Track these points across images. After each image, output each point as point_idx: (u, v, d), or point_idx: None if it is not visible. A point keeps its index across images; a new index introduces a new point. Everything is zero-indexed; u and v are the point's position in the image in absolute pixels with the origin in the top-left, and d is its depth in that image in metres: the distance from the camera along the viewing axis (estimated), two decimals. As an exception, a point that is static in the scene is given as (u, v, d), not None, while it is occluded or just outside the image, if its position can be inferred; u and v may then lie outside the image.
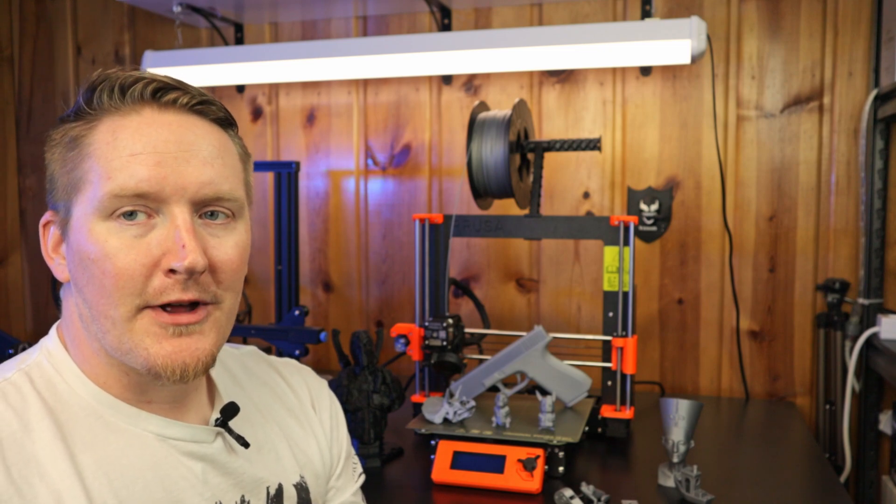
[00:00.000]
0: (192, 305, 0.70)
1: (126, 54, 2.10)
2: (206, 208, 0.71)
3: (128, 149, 0.68)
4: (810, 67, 1.87)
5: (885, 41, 1.73)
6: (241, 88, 2.27)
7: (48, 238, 0.74)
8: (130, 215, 0.68)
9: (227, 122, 0.76)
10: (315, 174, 2.24)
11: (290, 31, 2.23)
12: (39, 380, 0.72)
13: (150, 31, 2.16)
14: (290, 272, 1.90)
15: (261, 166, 2.00)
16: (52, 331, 0.77)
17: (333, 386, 1.44)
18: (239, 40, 2.25)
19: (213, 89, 2.28)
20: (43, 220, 0.74)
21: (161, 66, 1.92)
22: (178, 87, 0.72)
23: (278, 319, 1.92)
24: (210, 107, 0.73)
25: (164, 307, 0.69)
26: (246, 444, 0.79)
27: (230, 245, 0.73)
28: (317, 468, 0.89)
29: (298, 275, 1.94)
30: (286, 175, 1.89)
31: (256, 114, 2.27)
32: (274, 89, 2.25)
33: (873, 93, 1.78)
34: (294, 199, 1.90)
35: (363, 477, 0.99)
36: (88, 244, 0.68)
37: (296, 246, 1.91)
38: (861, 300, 1.82)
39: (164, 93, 0.71)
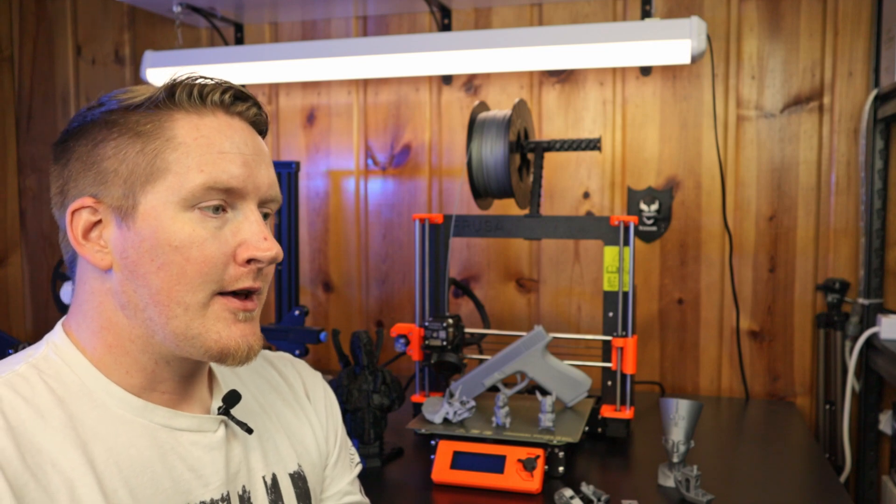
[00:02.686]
0: (248, 294, 0.75)
1: (126, 54, 2.10)
2: (261, 208, 0.77)
3: (216, 146, 0.73)
4: (810, 67, 1.87)
5: (885, 41, 1.73)
6: (241, 88, 2.27)
7: (79, 224, 0.73)
8: (216, 209, 0.72)
9: (265, 133, 0.83)
10: (315, 174, 2.24)
11: (290, 31, 2.23)
12: (48, 371, 0.73)
13: (150, 31, 2.17)
14: (290, 272, 1.90)
15: (261, 166, 2.00)
16: (58, 326, 0.78)
17: (333, 386, 1.44)
18: (239, 40, 2.25)
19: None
20: (75, 206, 0.73)
21: (161, 67, 1.92)
22: (248, 97, 0.78)
23: (278, 319, 1.92)
24: (262, 118, 0.80)
25: (233, 294, 0.74)
26: (249, 430, 0.81)
27: (273, 241, 0.78)
28: (313, 457, 0.91)
29: (298, 275, 1.94)
30: (286, 175, 1.89)
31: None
32: (274, 89, 2.25)
33: (873, 93, 1.78)
34: (294, 199, 1.90)
35: (360, 467, 1.00)
36: (169, 232, 0.71)
37: (296, 246, 1.91)
38: (861, 300, 1.82)
39: (237, 102, 0.77)
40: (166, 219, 0.71)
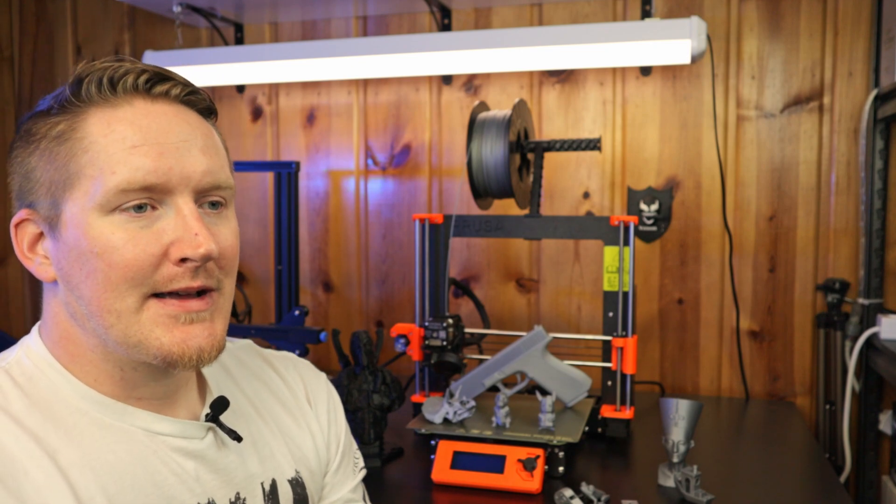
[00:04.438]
0: (199, 293, 0.71)
1: (126, 54, 2.10)
2: (204, 198, 0.72)
3: (128, 141, 0.67)
4: (810, 67, 1.87)
5: (885, 41, 1.73)
6: (241, 88, 2.27)
7: (23, 237, 0.72)
8: (139, 208, 0.67)
9: (209, 112, 0.77)
10: (315, 174, 2.24)
11: (290, 31, 2.23)
12: (21, 377, 0.71)
13: (150, 31, 2.16)
14: (290, 272, 1.90)
15: (261, 166, 2.00)
16: (34, 330, 0.76)
17: (333, 386, 1.44)
18: (239, 40, 2.25)
19: (213, 89, 2.28)
20: (16, 220, 0.72)
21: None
22: (169, 77, 0.72)
23: (278, 319, 1.92)
24: (197, 96, 0.74)
25: (172, 295, 0.69)
26: (238, 438, 0.78)
27: (228, 232, 0.73)
28: (311, 464, 0.88)
29: (298, 275, 1.94)
30: (286, 175, 1.89)
31: (256, 114, 2.27)
32: (274, 89, 2.25)
33: (873, 93, 1.78)
34: (294, 199, 1.90)
35: (364, 472, 0.97)
36: (90, 239, 0.67)
37: (296, 246, 1.91)
38: (861, 300, 1.82)
39: (156, 84, 0.71)
40: (87, 225, 0.67)
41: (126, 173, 0.66)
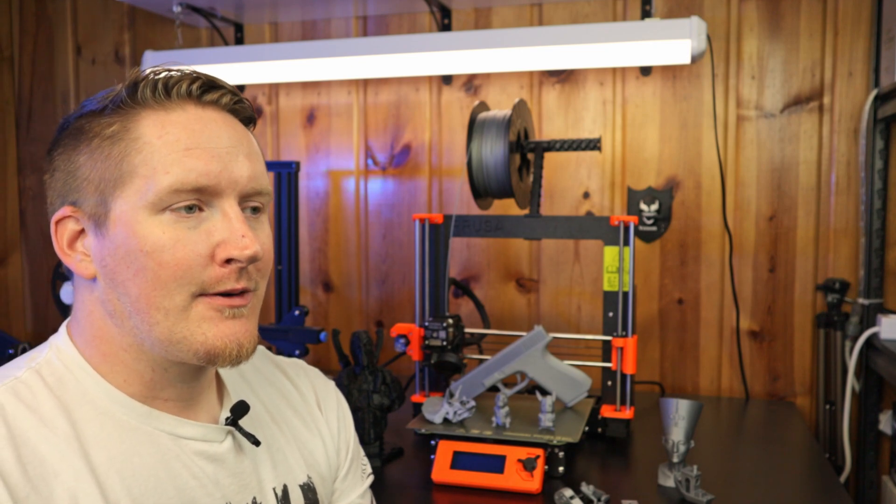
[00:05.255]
0: (241, 291, 0.73)
1: (126, 54, 2.10)
2: (247, 202, 0.74)
3: (181, 143, 0.69)
4: (810, 67, 1.87)
5: (885, 41, 1.73)
6: (241, 88, 2.27)
7: (64, 234, 0.73)
8: (189, 209, 0.69)
9: (249, 121, 0.79)
10: (315, 174, 2.24)
11: (290, 31, 2.23)
12: (50, 377, 0.71)
13: (150, 31, 2.16)
14: (290, 272, 1.90)
15: (261, 166, 2.00)
16: (63, 328, 0.77)
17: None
18: (239, 40, 2.25)
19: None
20: (57, 216, 0.72)
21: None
22: (220, 86, 0.75)
23: (278, 319, 1.91)
24: (243, 105, 0.77)
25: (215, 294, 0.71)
26: (257, 443, 0.79)
27: (265, 236, 0.76)
28: (322, 469, 0.89)
29: (298, 275, 1.94)
30: (286, 175, 1.89)
31: (256, 114, 2.27)
32: (274, 89, 2.25)
33: (873, 93, 1.78)
34: (294, 199, 1.90)
35: (372, 478, 0.99)
36: (140, 237, 0.68)
37: (296, 246, 1.91)
38: (861, 300, 1.82)
39: (207, 91, 0.73)
40: (136, 224, 0.68)
41: (179, 174, 0.68)
